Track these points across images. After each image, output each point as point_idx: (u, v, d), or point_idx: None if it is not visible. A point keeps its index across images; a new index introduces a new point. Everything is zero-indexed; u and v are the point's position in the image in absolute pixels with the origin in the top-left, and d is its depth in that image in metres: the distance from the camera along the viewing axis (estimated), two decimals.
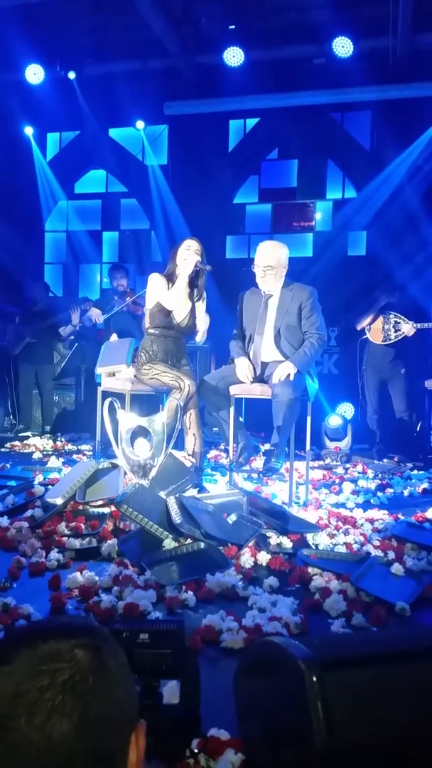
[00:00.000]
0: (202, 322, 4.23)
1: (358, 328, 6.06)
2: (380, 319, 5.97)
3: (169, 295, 4.10)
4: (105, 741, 0.65)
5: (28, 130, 8.19)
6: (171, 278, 4.13)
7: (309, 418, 4.21)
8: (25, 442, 6.41)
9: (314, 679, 1.19)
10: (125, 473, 3.61)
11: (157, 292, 4.14)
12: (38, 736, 0.62)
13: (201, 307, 4.24)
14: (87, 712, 0.64)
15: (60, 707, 0.63)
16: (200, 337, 4.32)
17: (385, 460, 5.87)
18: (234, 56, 7.12)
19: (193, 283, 4.17)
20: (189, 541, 3.01)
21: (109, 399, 3.65)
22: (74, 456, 5.63)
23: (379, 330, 5.99)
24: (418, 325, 5.85)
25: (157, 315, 4.17)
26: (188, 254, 4.08)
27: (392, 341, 5.93)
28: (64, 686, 0.64)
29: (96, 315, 6.61)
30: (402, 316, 5.90)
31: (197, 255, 4.08)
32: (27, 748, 0.62)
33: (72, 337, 6.96)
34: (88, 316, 6.68)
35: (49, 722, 0.63)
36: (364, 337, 6.06)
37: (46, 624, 0.76)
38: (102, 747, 0.65)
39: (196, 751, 1.42)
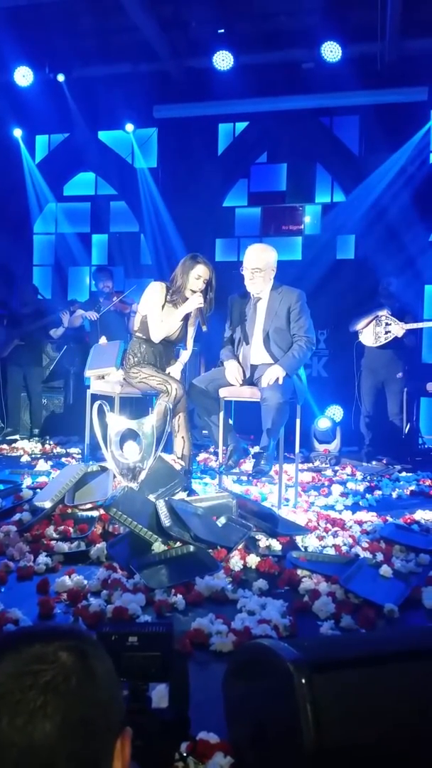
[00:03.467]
0: (189, 346, 4.24)
1: (352, 330, 6.09)
2: (373, 321, 6.01)
3: (161, 327, 4.04)
4: (88, 744, 0.65)
5: (17, 132, 8.16)
6: (174, 297, 4.03)
7: (298, 421, 4.22)
8: (14, 445, 6.38)
9: (303, 680, 1.19)
10: (114, 476, 3.60)
11: (152, 307, 4.07)
12: (20, 738, 0.62)
13: (191, 331, 4.19)
14: (70, 714, 0.64)
15: (42, 708, 0.63)
16: (185, 358, 4.30)
17: (373, 463, 5.89)
18: (223, 60, 7.13)
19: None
20: (178, 544, 3.01)
21: (98, 402, 3.64)
22: (63, 459, 5.61)
23: (370, 332, 6.02)
24: (408, 326, 5.89)
25: (146, 325, 4.13)
26: (197, 284, 3.98)
27: (383, 342, 5.97)
28: (46, 687, 0.64)
29: (90, 313, 6.59)
30: (393, 317, 5.94)
31: (204, 284, 4.00)
32: (9, 749, 0.62)
33: (63, 330, 6.90)
34: (82, 316, 6.66)
35: (31, 723, 0.62)
36: (358, 340, 6.10)
37: (31, 629, 0.76)
38: (85, 750, 0.64)
39: (185, 754, 1.42)
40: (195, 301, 3.99)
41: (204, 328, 4.09)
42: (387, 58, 6.84)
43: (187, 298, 4.02)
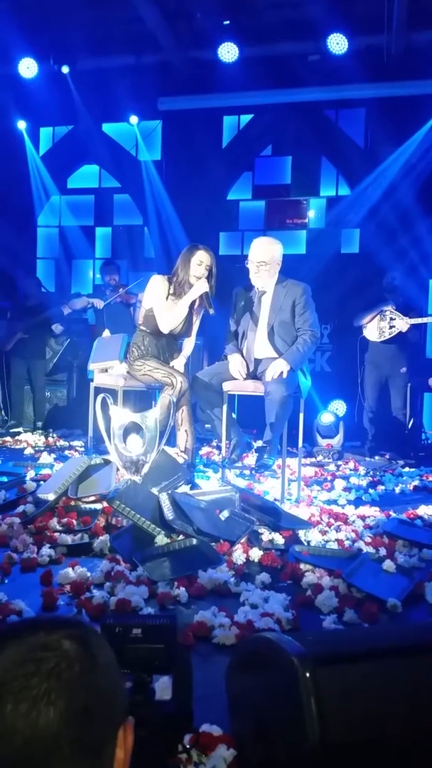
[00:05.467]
0: (192, 338, 4.22)
1: (357, 324, 6.07)
2: (377, 316, 5.99)
3: (168, 317, 4.02)
4: (91, 731, 0.65)
5: (21, 125, 8.13)
6: (177, 289, 4.02)
7: (301, 415, 4.21)
8: (17, 437, 6.39)
9: (307, 674, 1.19)
10: (117, 469, 3.60)
11: (156, 299, 4.06)
12: (23, 724, 0.62)
13: (195, 323, 4.18)
14: (73, 701, 0.64)
15: (45, 695, 0.63)
16: (189, 351, 4.28)
17: (376, 458, 5.89)
18: (228, 52, 7.09)
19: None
20: (181, 537, 3.01)
21: (101, 395, 3.64)
22: (66, 452, 5.62)
23: (374, 327, 6.00)
24: (412, 321, 5.87)
25: (151, 319, 4.12)
26: (199, 270, 3.97)
27: (387, 337, 5.95)
28: (50, 674, 0.64)
29: (96, 300, 6.59)
30: (397, 312, 5.92)
31: (207, 270, 3.99)
32: (13, 736, 0.62)
33: (62, 328, 6.92)
34: (88, 303, 6.66)
35: (35, 710, 0.63)
36: (362, 335, 6.08)
37: (35, 618, 0.76)
38: (88, 737, 0.65)
39: (188, 746, 1.42)
40: (200, 287, 3.97)
41: (211, 311, 4.06)
42: (393, 51, 6.79)
43: (192, 286, 4.01)
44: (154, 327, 4.11)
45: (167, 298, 4.06)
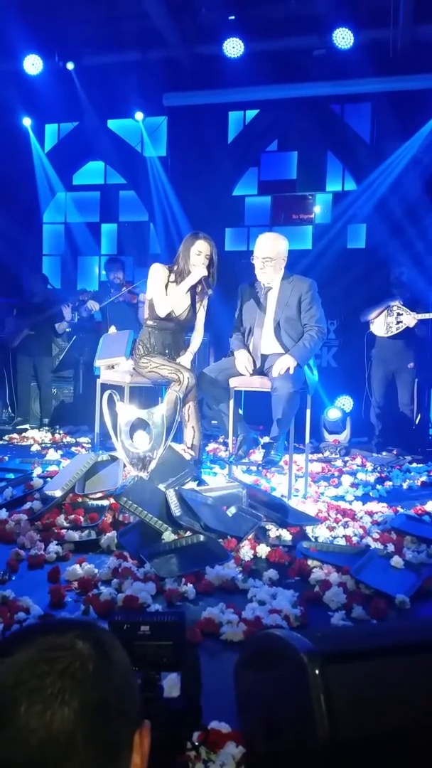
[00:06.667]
0: (199, 332, 4.21)
1: (363, 320, 6.05)
2: (384, 311, 5.97)
3: (166, 300, 4.04)
4: (106, 731, 0.64)
5: (27, 121, 8.13)
6: (178, 278, 4.05)
7: (308, 411, 4.20)
8: (24, 434, 6.41)
9: (316, 671, 1.18)
10: (124, 466, 3.60)
11: (156, 286, 4.08)
12: (38, 724, 0.62)
13: (201, 315, 4.18)
14: (87, 700, 0.63)
15: (60, 694, 0.63)
16: (195, 347, 4.27)
17: (384, 453, 5.87)
18: (234, 47, 7.07)
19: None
20: (188, 533, 3.01)
21: (108, 391, 3.63)
22: (73, 448, 5.62)
23: (381, 322, 5.98)
24: (420, 316, 5.84)
25: (153, 309, 4.13)
26: (198, 260, 3.99)
27: (394, 333, 5.93)
28: (63, 673, 0.64)
29: (92, 304, 6.58)
30: (404, 307, 5.90)
31: (206, 259, 4.01)
32: (28, 736, 0.62)
33: (69, 330, 6.94)
34: (85, 307, 6.65)
35: (49, 710, 0.62)
36: (369, 330, 6.06)
37: (45, 621, 0.76)
38: (103, 737, 0.64)
39: (196, 743, 1.41)
40: (198, 272, 3.98)
41: (209, 291, 4.06)
42: (399, 45, 6.75)
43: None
44: (157, 318, 4.11)
45: (167, 285, 4.08)
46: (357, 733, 1.17)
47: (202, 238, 4.04)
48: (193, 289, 4.10)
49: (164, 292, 4.06)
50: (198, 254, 4.00)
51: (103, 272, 7.99)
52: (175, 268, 4.07)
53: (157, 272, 4.10)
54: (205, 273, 3.99)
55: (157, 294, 4.07)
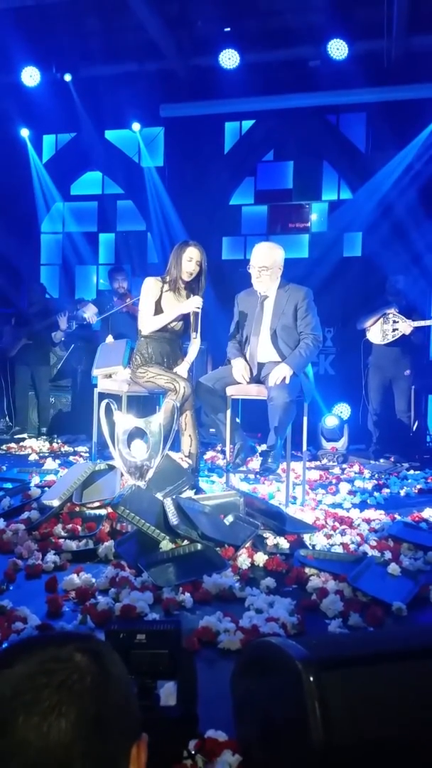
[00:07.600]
0: (193, 352, 4.24)
1: (360, 327, 6.07)
2: (380, 319, 6.00)
3: (152, 321, 4.09)
4: (103, 745, 0.65)
5: (24, 132, 8.19)
6: (171, 286, 4.10)
7: (305, 419, 4.21)
8: (21, 443, 6.41)
9: (311, 678, 1.19)
10: (122, 475, 3.61)
11: (145, 300, 4.14)
12: (35, 736, 0.62)
13: (195, 323, 4.18)
14: (84, 713, 0.64)
15: (57, 707, 0.63)
16: (192, 356, 4.29)
17: (381, 461, 5.88)
18: (229, 58, 7.13)
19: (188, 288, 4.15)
20: (186, 542, 3.01)
21: (105, 400, 3.65)
22: (71, 458, 5.62)
23: (377, 330, 6.01)
24: (415, 323, 5.87)
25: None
26: (189, 266, 4.04)
27: (390, 340, 5.95)
28: (61, 686, 0.64)
29: (91, 315, 6.59)
30: (400, 315, 5.93)
31: (197, 266, 4.07)
32: (25, 748, 0.62)
33: (63, 339, 6.94)
34: (81, 314, 6.65)
35: (46, 722, 0.62)
36: (365, 338, 6.08)
37: (44, 634, 0.77)
38: (100, 751, 0.64)
39: (193, 752, 1.42)
40: (192, 304, 4.02)
41: (194, 335, 4.10)
42: (394, 55, 6.82)
43: (185, 282, 4.07)
44: (139, 324, 4.17)
45: (162, 296, 4.12)
46: (352, 740, 1.18)
47: (193, 245, 4.11)
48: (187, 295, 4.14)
49: (152, 310, 4.12)
50: (189, 260, 4.07)
51: (102, 281, 8.03)
52: (168, 278, 4.13)
53: (149, 288, 4.16)
54: (199, 309, 4.02)
55: (144, 311, 4.14)
